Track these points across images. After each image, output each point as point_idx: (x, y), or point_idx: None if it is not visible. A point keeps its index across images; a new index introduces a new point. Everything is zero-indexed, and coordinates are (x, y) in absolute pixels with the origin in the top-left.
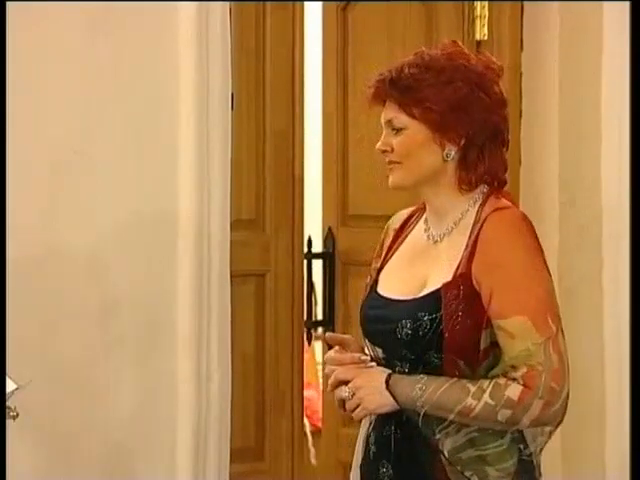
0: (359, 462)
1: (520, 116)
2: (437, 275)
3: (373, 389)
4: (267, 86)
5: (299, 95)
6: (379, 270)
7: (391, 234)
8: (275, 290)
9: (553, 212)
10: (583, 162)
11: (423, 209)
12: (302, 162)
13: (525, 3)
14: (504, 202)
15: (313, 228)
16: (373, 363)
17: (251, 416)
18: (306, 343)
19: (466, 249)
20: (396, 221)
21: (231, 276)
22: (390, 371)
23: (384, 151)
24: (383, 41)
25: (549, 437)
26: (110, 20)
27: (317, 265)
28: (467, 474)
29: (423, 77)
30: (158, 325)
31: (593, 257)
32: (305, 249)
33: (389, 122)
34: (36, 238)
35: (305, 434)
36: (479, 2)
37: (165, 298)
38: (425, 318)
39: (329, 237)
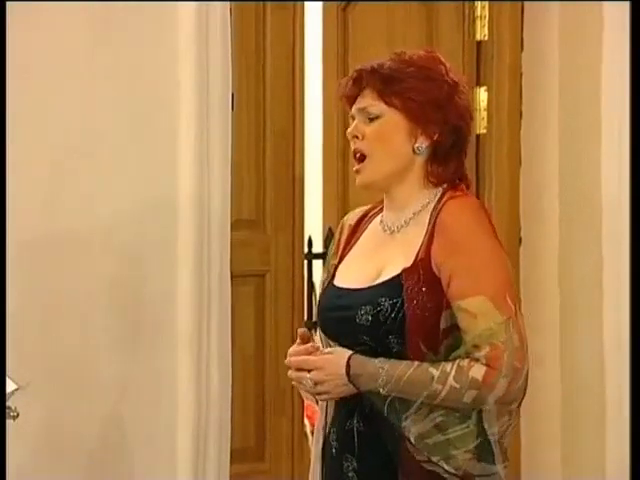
0: (318, 458)
1: (520, 116)
2: (395, 262)
3: (336, 382)
4: (267, 86)
5: (299, 95)
6: (336, 266)
7: (346, 231)
8: (275, 290)
9: (553, 212)
10: (583, 162)
11: (380, 207)
12: (302, 162)
13: (525, 3)
14: (460, 192)
15: (313, 228)
16: (330, 349)
17: (251, 416)
18: None
19: (425, 236)
20: (351, 218)
21: (231, 276)
22: (348, 354)
23: (354, 136)
24: (383, 41)
25: (512, 417)
26: (110, 20)
27: (317, 265)
28: (434, 459)
29: (406, 70)
30: (158, 325)
31: (593, 257)
32: (305, 249)
33: (363, 109)
34: (34, 237)
35: (305, 434)
36: (479, 2)
37: (165, 298)
38: (385, 303)
39: (329, 237)
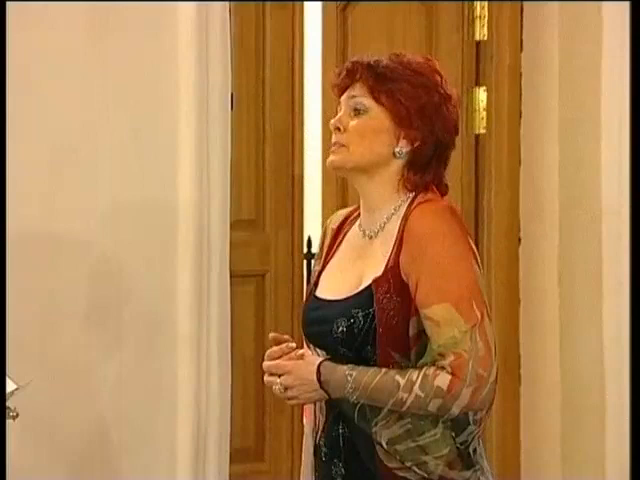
0: (309, 464)
1: (520, 116)
2: (371, 271)
3: (306, 387)
4: (267, 86)
5: (299, 95)
6: (320, 272)
7: (329, 234)
8: (275, 290)
9: (553, 212)
10: (583, 162)
11: (359, 210)
12: (302, 162)
13: (525, 3)
14: (430, 196)
15: (313, 228)
16: (302, 350)
17: (251, 416)
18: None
19: (395, 242)
20: (334, 220)
21: (231, 276)
22: (318, 360)
23: (336, 128)
24: (383, 41)
25: (479, 425)
26: (110, 20)
27: None
28: (407, 464)
29: (401, 72)
30: (158, 325)
31: (593, 257)
32: (305, 249)
33: (352, 98)
34: (34, 236)
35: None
36: (479, 2)
37: (165, 298)
38: (359, 315)
39: None
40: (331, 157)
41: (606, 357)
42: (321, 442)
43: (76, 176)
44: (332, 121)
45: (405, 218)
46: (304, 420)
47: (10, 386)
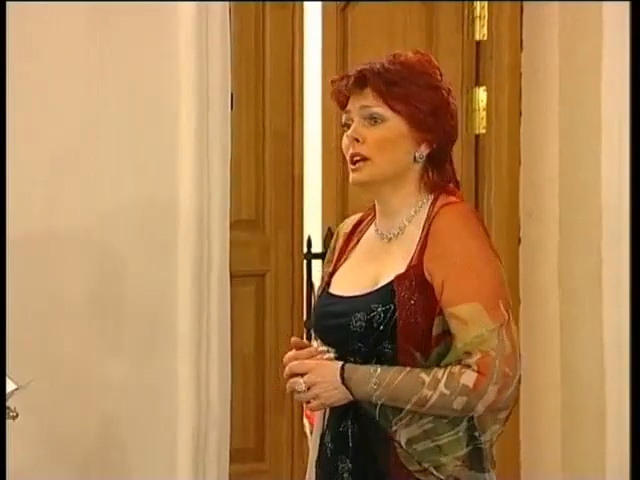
0: (314, 460)
1: (520, 116)
2: (390, 269)
3: (329, 384)
4: (267, 86)
5: (299, 95)
6: (332, 274)
7: (342, 238)
8: (275, 290)
9: (553, 212)
10: (583, 162)
11: (374, 214)
12: (302, 162)
13: (525, 3)
14: (453, 198)
15: (313, 228)
16: (330, 354)
17: (251, 416)
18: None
19: (419, 242)
20: (347, 225)
21: (231, 276)
22: (342, 363)
23: (355, 139)
24: (383, 41)
25: (503, 424)
26: (110, 20)
27: (317, 265)
28: (425, 465)
29: (407, 76)
30: (158, 325)
31: (593, 257)
32: (305, 249)
33: (366, 108)
34: (34, 236)
35: (305, 434)
36: (479, 2)
37: (165, 298)
38: (379, 309)
39: (329, 237)
40: (355, 174)
41: (606, 357)
42: (326, 438)
43: (76, 176)
44: (348, 132)
45: (429, 220)
46: (304, 420)
47: (10, 386)
